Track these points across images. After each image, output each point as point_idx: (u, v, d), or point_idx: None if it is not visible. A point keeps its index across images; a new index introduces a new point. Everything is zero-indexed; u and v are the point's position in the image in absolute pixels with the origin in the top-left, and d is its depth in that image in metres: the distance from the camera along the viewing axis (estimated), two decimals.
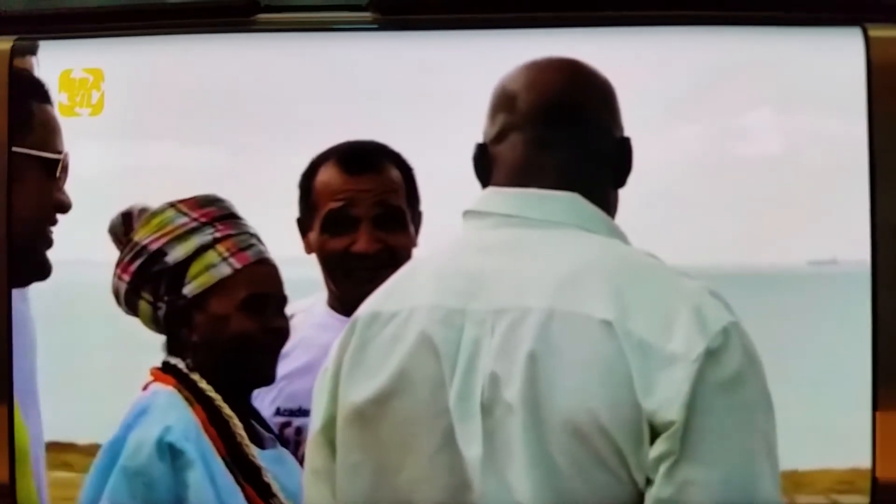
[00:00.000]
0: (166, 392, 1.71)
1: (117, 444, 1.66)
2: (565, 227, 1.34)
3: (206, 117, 1.74)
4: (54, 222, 1.60)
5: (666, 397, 1.23)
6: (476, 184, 1.44)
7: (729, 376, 1.26)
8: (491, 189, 1.39)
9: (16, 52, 1.69)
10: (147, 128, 1.74)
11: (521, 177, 1.37)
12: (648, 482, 1.25)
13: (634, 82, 1.67)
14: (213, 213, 1.73)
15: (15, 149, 1.53)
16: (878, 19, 1.67)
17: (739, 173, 1.69)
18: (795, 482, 1.66)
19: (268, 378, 1.75)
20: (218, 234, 1.72)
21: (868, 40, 1.66)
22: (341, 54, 1.73)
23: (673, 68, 1.69)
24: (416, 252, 1.82)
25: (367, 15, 1.72)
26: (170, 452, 1.65)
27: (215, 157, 1.76)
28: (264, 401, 1.79)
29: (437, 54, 1.70)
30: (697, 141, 1.69)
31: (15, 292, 1.68)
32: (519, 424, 1.25)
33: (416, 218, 1.82)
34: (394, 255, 1.77)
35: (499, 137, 1.40)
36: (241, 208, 1.77)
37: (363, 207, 1.79)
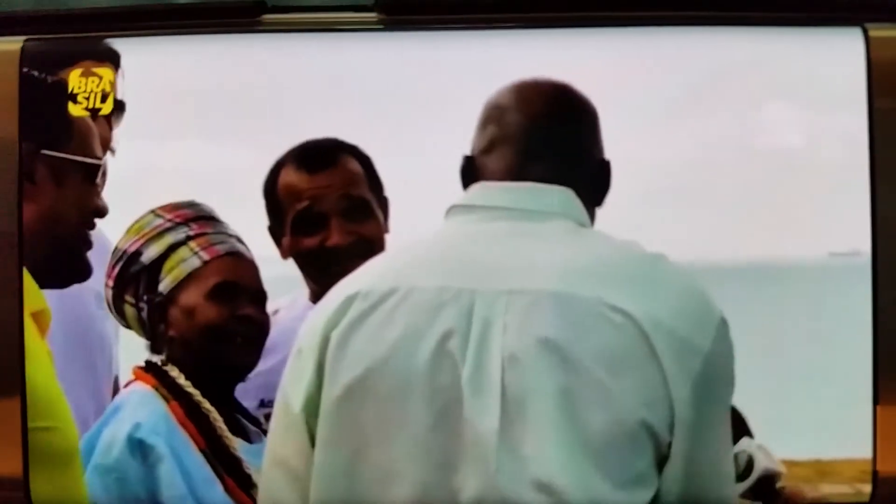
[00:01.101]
0: (141, 390, 1.73)
1: (91, 442, 1.68)
2: (561, 218, 1.38)
3: (214, 116, 1.76)
4: (93, 226, 1.63)
5: (685, 388, 1.27)
6: None
7: (730, 369, 1.34)
8: (480, 184, 1.42)
9: (26, 53, 1.70)
10: (155, 126, 1.76)
11: (511, 176, 1.41)
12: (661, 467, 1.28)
13: (637, 82, 1.69)
14: (189, 215, 1.76)
15: (58, 154, 1.55)
16: (879, 19, 1.69)
17: (744, 169, 1.71)
18: (820, 471, 1.68)
19: (243, 366, 1.76)
20: (192, 232, 1.76)
21: (868, 40, 1.67)
22: (348, 55, 1.74)
23: (674, 68, 1.70)
24: (388, 238, 1.84)
25: (373, 15, 1.73)
26: (140, 448, 1.67)
27: (223, 155, 1.78)
28: (249, 393, 1.80)
29: (443, 55, 1.72)
30: (703, 138, 1.71)
31: (87, 293, 1.71)
32: (549, 406, 1.26)
33: (383, 204, 1.84)
34: (368, 244, 1.79)
35: (487, 149, 1.43)
36: (246, 207, 1.79)
37: (329, 203, 1.81)
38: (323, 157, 1.81)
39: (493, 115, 1.45)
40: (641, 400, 1.26)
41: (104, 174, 1.61)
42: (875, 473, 1.64)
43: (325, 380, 1.33)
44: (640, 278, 1.32)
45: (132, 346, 1.77)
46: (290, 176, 1.81)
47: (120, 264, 1.76)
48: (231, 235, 1.77)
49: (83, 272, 1.63)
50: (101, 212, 1.63)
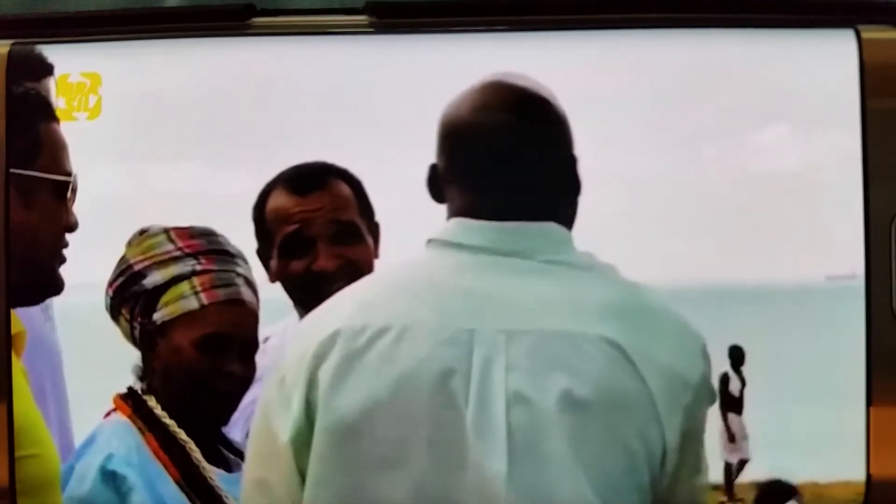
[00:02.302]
0: (115, 422, 1.71)
1: (66, 474, 1.66)
2: (548, 253, 1.38)
3: (202, 121, 1.74)
4: (66, 244, 1.60)
5: (677, 418, 1.31)
6: None
7: (713, 389, 1.40)
8: (461, 222, 1.41)
9: (14, 59, 1.69)
10: (144, 132, 1.74)
11: (488, 205, 1.39)
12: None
13: (625, 87, 1.68)
14: (200, 247, 1.74)
15: (22, 171, 1.53)
16: (871, 21, 1.68)
17: (734, 184, 1.70)
18: (816, 494, 1.69)
19: (218, 421, 1.74)
20: (198, 268, 1.73)
21: (861, 42, 1.67)
22: (338, 58, 1.73)
23: (662, 72, 1.70)
24: (377, 263, 1.82)
25: (363, 19, 1.72)
26: (113, 479, 1.65)
27: (212, 161, 1.76)
28: (238, 422, 1.78)
29: (434, 58, 1.71)
30: (691, 148, 1.70)
31: (37, 310, 1.69)
32: (558, 445, 1.27)
33: (373, 229, 1.82)
34: (355, 268, 1.77)
35: (454, 168, 1.44)
36: (233, 213, 1.77)
37: (317, 226, 1.79)
38: (312, 181, 1.79)
39: (456, 129, 1.45)
40: (636, 433, 1.29)
41: (74, 189, 1.59)
42: (868, 477, 1.64)
43: (318, 417, 1.32)
44: (631, 314, 1.34)
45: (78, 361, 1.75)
46: (279, 199, 1.80)
47: (122, 278, 1.74)
48: (239, 275, 1.75)
49: (56, 287, 1.62)
50: (72, 227, 1.61)
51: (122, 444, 1.68)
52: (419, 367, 1.30)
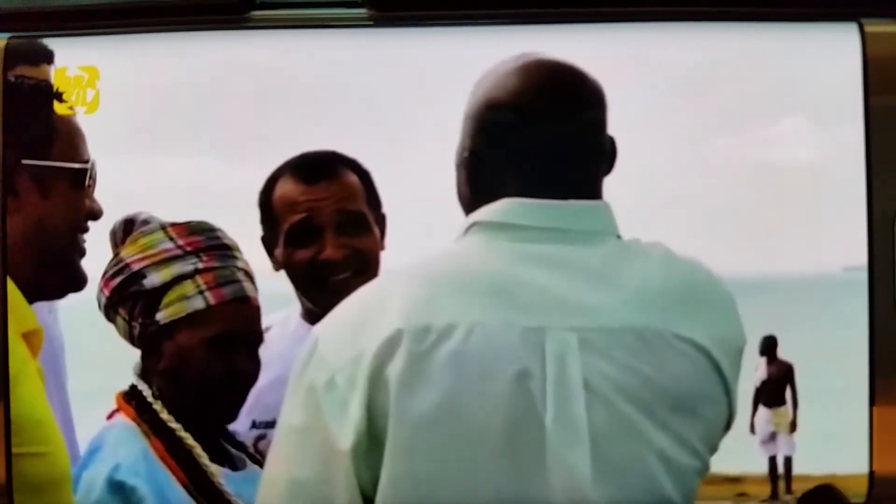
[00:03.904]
0: (120, 426, 1.68)
1: (73, 484, 1.63)
2: (603, 236, 1.35)
3: (202, 115, 1.74)
4: (85, 230, 1.57)
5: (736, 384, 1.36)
6: None
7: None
8: (514, 201, 1.35)
9: (11, 52, 1.68)
10: (142, 126, 1.74)
11: (539, 186, 1.35)
12: None
13: (629, 80, 1.67)
14: (200, 244, 1.70)
15: (39, 162, 1.51)
16: (875, 14, 1.67)
17: (740, 177, 1.69)
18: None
19: (229, 418, 1.72)
20: (200, 265, 1.69)
21: (864, 35, 1.66)
22: (337, 52, 1.72)
23: (666, 66, 1.69)
24: (382, 254, 1.81)
25: (363, 12, 1.71)
26: (121, 491, 1.62)
27: (210, 154, 1.75)
28: (240, 415, 1.76)
29: (434, 51, 1.70)
30: (697, 142, 1.69)
31: (42, 305, 1.67)
32: (641, 443, 1.28)
33: (380, 220, 1.81)
34: (362, 259, 1.77)
35: (498, 148, 1.38)
36: (232, 206, 1.76)
37: (324, 215, 1.78)
38: (321, 169, 1.78)
39: (495, 108, 1.38)
40: (713, 427, 1.34)
41: (93, 176, 1.56)
42: (871, 474, 1.63)
43: (391, 419, 1.27)
44: (688, 298, 1.33)
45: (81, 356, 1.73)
46: (286, 187, 1.78)
47: (120, 278, 1.70)
48: (240, 269, 1.71)
49: (78, 282, 1.58)
50: (95, 214, 1.57)
51: (128, 451, 1.65)
52: (492, 369, 1.26)
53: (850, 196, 1.64)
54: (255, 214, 1.81)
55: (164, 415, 1.68)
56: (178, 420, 1.68)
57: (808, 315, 1.67)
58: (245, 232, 1.77)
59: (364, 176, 1.79)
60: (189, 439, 1.67)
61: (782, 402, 1.76)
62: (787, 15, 1.68)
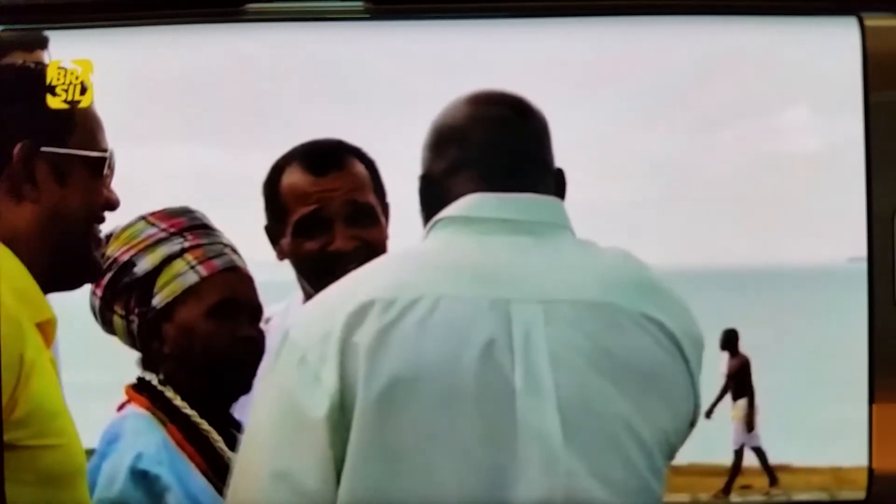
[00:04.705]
0: (136, 415, 1.66)
1: (92, 475, 1.60)
2: (559, 228, 1.39)
3: (197, 107, 1.73)
4: (102, 220, 1.55)
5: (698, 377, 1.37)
6: None
7: None
8: (477, 196, 1.38)
9: (4, 43, 1.67)
10: (136, 119, 1.73)
11: (499, 188, 1.39)
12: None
13: (628, 73, 1.66)
14: (183, 224, 1.69)
15: (54, 149, 1.49)
16: (875, 8, 1.67)
17: (742, 169, 1.69)
18: (838, 478, 1.68)
19: (241, 388, 1.69)
20: (187, 244, 1.68)
21: (864, 30, 1.65)
22: (334, 45, 1.71)
23: (665, 59, 1.68)
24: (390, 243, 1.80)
25: (359, 5, 1.70)
26: (144, 480, 1.60)
27: (205, 147, 1.75)
28: (244, 405, 1.72)
29: (430, 45, 1.69)
30: (697, 135, 1.68)
31: None
32: (604, 407, 1.30)
33: (386, 210, 1.81)
34: (371, 250, 1.75)
35: (450, 171, 1.41)
36: (223, 200, 1.75)
37: (334, 207, 1.76)
38: (330, 160, 1.76)
39: (449, 136, 1.42)
40: (673, 408, 1.34)
41: (111, 165, 1.54)
42: (870, 471, 1.63)
43: (359, 386, 1.29)
44: (656, 288, 1.36)
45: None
46: (294, 176, 1.76)
47: (110, 273, 1.68)
48: (226, 245, 1.70)
49: (94, 272, 1.56)
50: (113, 205, 1.55)
51: (149, 440, 1.62)
52: (460, 336, 1.29)
53: (854, 187, 1.64)
54: (246, 207, 1.79)
55: (178, 401, 1.66)
56: (192, 405, 1.66)
57: (811, 306, 1.66)
58: (240, 220, 1.76)
59: (370, 165, 1.78)
60: (204, 424, 1.66)
61: (743, 394, 1.77)
62: (787, 9, 1.67)
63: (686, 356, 1.34)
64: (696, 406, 1.38)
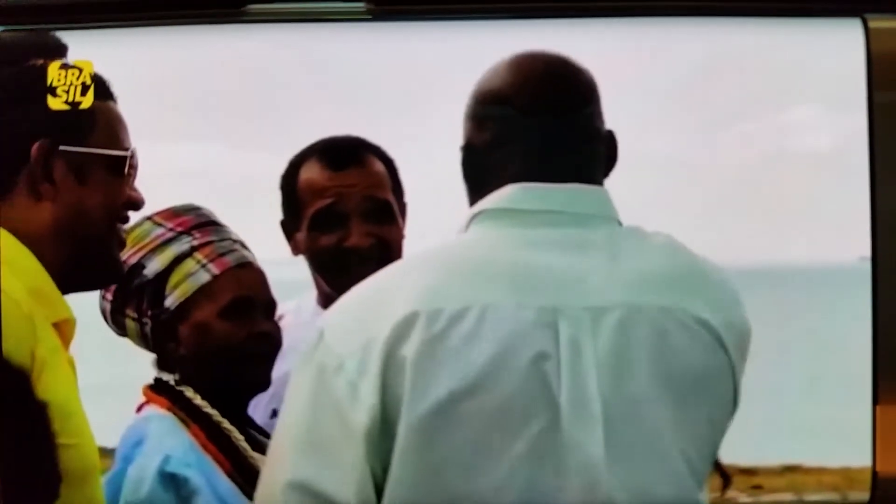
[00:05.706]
0: (159, 417, 1.64)
1: (117, 478, 1.58)
2: (605, 220, 1.35)
3: (197, 109, 1.72)
4: (126, 220, 1.54)
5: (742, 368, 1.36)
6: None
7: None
8: (518, 186, 1.34)
9: (2, 43, 1.66)
10: (136, 120, 1.72)
11: (538, 173, 1.34)
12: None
13: (632, 74, 1.66)
14: (190, 222, 1.67)
15: (73, 148, 1.48)
16: (879, 10, 1.66)
17: (749, 168, 1.68)
18: (848, 478, 1.67)
19: (261, 384, 1.67)
20: (196, 242, 1.66)
21: (868, 30, 1.65)
22: (335, 46, 1.71)
23: (669, 60, 1.68)
24: (405, 243, 1.79)
25: (361, 6, 1.70)
26: (173, 482, 1.57)
27: (206, 148, 1.74)
28: (258, 405, 1.73)
29: (432, 45, 1.69)
30: (702, 135, 1.68)
31: None
32: (655, 425, 1.27)
33: (403, 209, 1.80)
34: (386, 247, 1.74)
35: (494, 144, 1.36)
36: (229, 200, 1.74)
37: (351, 203, 1.75)
38: (349, 155, 1.75)
39: (491, 105, 1.37)
40: (720, 409, 1.33)
41: (134, 164, 1.53)
42: (874, 474, 1.62)
43: (405, 401, 1.25)
44: (703, 281, 1.34)
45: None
46: (312, 171, 1.76)
47: None
48: (235, 241, 1.68)
49: (115, 273, 1.55)
50: (136, 204, 1.54)
51: (175, 442, 1.60)
52: (508, 350, 1.25)
53: (863, 186, 1.63)
54: (250, 207, 1.78)
55: (198, 400, 1.63)
56: (211, 405, 1.63)
57: (821, 305, 1.66)
58: (231, 219, 1.74)
59: (389, 163, 1.77)
60: (226, 423, 1.63)
61: None
62: (790, 10, 1.67)
63: (727, 347, 1.32)
64: (737, 398, 1.35)
